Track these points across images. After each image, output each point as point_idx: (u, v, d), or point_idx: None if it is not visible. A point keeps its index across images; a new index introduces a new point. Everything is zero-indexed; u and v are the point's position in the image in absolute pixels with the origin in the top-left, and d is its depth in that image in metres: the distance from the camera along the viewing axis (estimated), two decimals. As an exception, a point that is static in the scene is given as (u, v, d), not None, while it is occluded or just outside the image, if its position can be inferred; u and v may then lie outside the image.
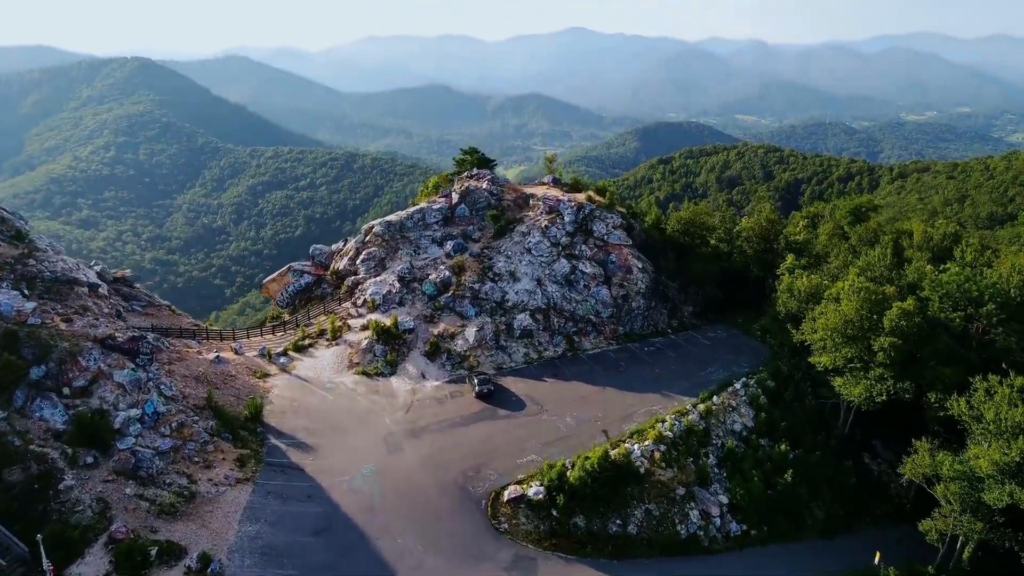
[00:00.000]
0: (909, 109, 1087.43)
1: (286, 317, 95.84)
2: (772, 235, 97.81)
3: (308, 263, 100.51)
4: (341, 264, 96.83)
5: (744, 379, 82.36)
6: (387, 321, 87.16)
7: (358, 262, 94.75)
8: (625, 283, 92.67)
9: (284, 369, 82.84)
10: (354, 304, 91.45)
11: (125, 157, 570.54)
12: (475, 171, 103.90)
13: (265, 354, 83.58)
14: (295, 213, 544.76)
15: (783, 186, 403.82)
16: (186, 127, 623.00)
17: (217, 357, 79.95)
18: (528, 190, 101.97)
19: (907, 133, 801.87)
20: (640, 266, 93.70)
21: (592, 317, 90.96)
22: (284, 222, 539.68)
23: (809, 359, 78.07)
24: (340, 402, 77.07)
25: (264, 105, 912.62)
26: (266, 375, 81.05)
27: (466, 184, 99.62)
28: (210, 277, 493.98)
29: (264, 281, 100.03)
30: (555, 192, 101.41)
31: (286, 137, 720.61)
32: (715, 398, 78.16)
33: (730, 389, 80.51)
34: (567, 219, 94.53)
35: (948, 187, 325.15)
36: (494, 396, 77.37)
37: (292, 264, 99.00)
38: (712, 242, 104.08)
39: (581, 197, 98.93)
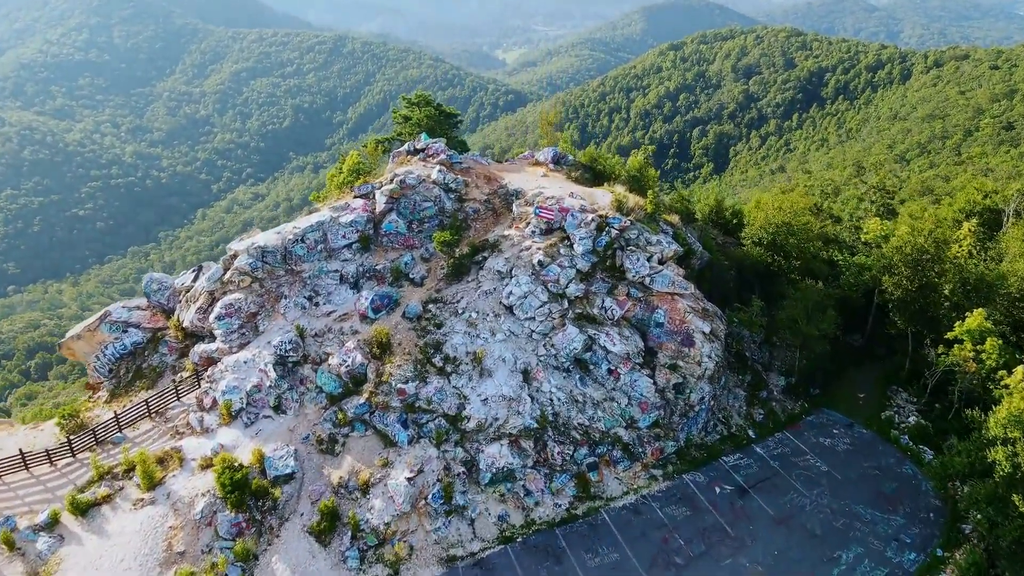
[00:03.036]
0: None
1: (100, 404, 53.15)
2: (934, 262, 53.12)
3: (140, 304, 56.42)
4: (188, 315, 52.89)
5: (919, 594, 40.64)
6: (247, 455, 44.60)
7: (212, 317, 50.88)
8: (681, 362, 49.03)
9: (35, 571, 41.30)
10: (199, 403, 48.57)
11: (99, 40, 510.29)
12: (423, 142, 57.49)
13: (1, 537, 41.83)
14: (282, 102, 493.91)
15: (805, 76, 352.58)
16: (162, 5, 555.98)
17: None
18: (512, 178, 55.76)
19: (929, 10, 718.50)
20: (707, 330, 49.49)
21: (622, 431, 47.96)
22: (271, 112, 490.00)
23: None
24: None
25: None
26: (-10, 599, 39.62)
27: (402, 173, 53.57)
28: (195, 172, 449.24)
29: (66, 337, 56.27)
30: (557, 183, 55.29)
31: (270, 17, 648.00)
32: (875, 665, 36.78)
33: (897, 628, 38.95)
34: (580, 248, 49.45)
35: (993, 79, 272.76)
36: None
37: (110, 310, 54.90)
38: (813, 250, 59.34)
39: (603, 198, 52.64)
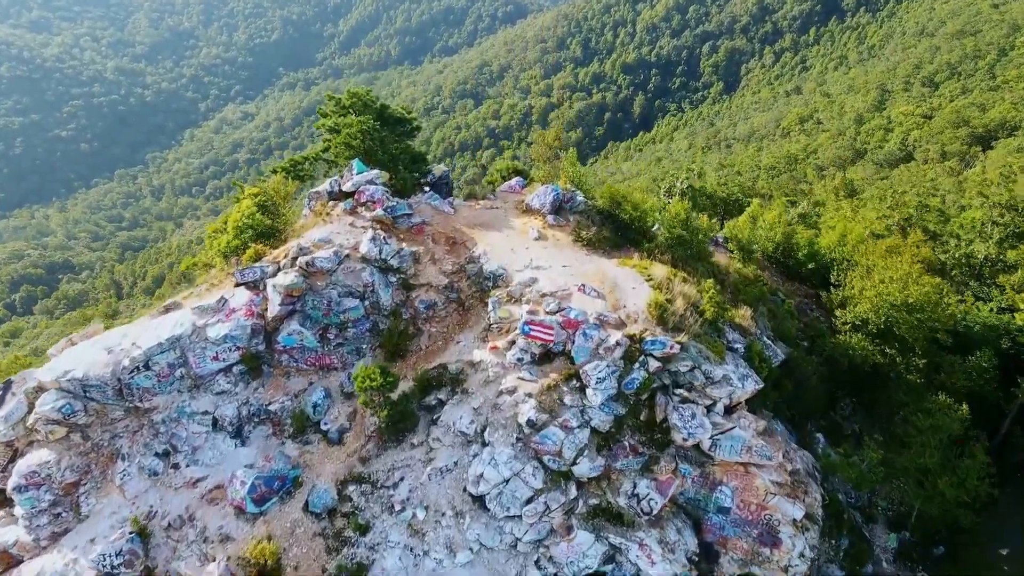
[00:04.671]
0: None
1: None
2: None
3: (-69, 431, 36.62)
4: (-16, 469, 33.17)
5: None
6: None
7: (10, 486, 31.19)
8: (758, 568, 29.71)
9: None
10: (-15, 640, 29.67)
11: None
12: (354, 178, 35.42)
13: None
14: (269, 14, 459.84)
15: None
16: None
17: None
18: (489, 240, 34.04)
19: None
20: (799, 516, 29.83)
21: None
22: (258, 24, 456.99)
23: None
24: None
25: None
26: None
27: (311, 245, 31.94)
28: (181, 89, 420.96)
29: None
30: (559, 254, 33.62)
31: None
32: None
33: None
34: (598, 396, 28.75)
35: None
36: None
37: None
38: (942, 340, 38.65)
39: (632, 293, 31.17)
